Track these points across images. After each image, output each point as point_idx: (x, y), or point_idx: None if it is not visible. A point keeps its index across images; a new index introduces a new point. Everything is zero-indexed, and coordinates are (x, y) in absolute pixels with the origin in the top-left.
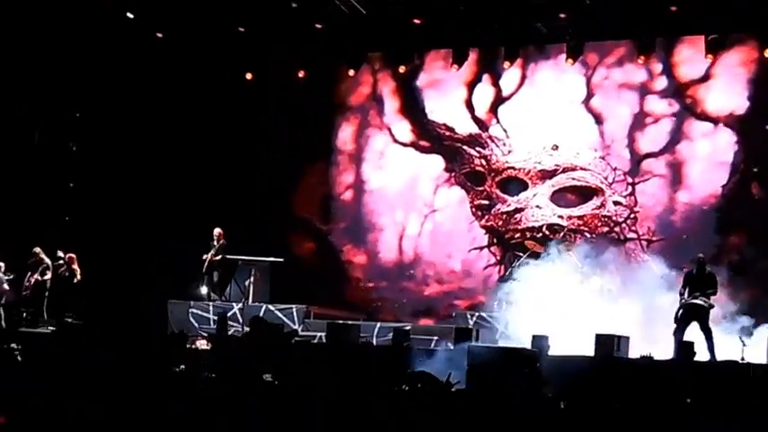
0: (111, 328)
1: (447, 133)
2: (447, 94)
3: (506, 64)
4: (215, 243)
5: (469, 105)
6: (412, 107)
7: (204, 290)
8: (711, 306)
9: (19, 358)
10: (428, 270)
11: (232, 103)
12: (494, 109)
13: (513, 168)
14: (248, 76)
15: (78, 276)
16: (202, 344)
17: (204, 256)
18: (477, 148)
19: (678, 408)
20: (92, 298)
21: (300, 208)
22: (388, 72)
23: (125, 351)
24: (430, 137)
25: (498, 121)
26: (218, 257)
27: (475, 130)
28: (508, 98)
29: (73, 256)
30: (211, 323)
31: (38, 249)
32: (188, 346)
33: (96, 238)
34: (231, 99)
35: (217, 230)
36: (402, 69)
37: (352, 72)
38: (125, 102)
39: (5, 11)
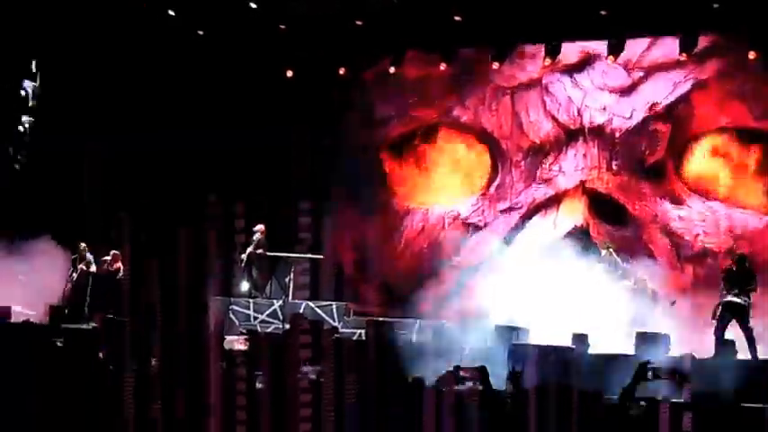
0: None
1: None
2: None
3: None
4: (254, 238)
5: None
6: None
7: (245, 286)
8: (750, 304)
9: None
10: None
11: (274, 100)
12: None
13: None
14: (289, 73)
15: (122, 273)
16: (239, 343)
17: (246, 251)
18: None
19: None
20: (135, 295)
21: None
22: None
23: (167, 348)
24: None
25: None
26: (259, 251)
27: None
28: None
29: (117, 253)
30: (252, 320)
31: (83, 245)
32: (224, 345)
33: (140, 235)
34: (273, 96)
35: (258, 227)
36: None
37: (392, 69)
38: (168, 99)
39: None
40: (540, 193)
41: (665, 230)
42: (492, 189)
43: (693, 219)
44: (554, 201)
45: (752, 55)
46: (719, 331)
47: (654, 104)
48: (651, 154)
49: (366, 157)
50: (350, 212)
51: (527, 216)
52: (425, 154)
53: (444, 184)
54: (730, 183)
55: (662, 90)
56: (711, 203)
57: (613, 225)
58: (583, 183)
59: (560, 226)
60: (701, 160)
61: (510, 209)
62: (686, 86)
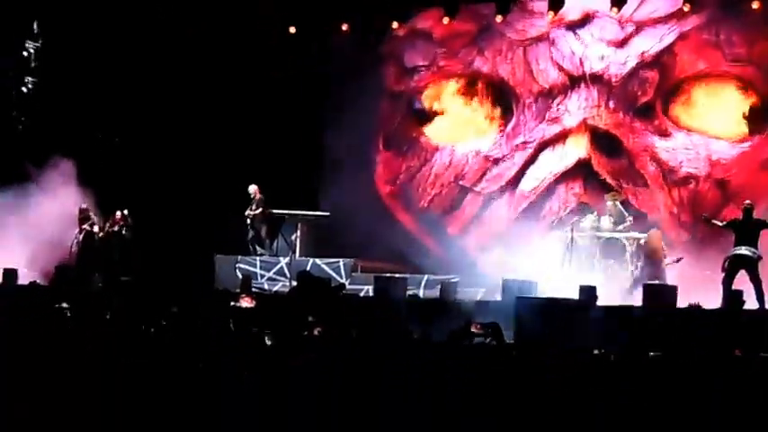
0: (161, 286)
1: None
2: None
3: None
4: (253, 198)
5: None
6: None
7: (252, 244)
8: (760, 257)
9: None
10: None
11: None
12: None
13: None
14: (291, 29)
15: (128, 233)
16: (247, 301)
17: (246, 213)
18: None
19: (727, 357)
20: (142, 255)
21: None
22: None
23: (174, 308)
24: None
25: None
26: (259, 211)
27: None
28: None
29: (125, 213)
30: (259, 278)
31: (86, 206)
32: (232, 303)
33: (145, 196)
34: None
35: (251, 187)
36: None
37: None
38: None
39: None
40: (550, 130)
41: (654, 159)
42: (508, 128)
43: (677, 149)
44: (561, 136)
45: (755, 5)
46: (727, 282)
47: (643, 53)
48: (642, 95)
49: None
50: (386, 152)
51: (539, 150)
52: (453, 99)
53: (468, 125)
54: (709, 118)
55: (650, 41)
56: (692, 136)
57: (610, 156)
58: (585, 121)
59: (567, 157)
60: (683, 100)
61: (524, 143)
62: (671, 38)
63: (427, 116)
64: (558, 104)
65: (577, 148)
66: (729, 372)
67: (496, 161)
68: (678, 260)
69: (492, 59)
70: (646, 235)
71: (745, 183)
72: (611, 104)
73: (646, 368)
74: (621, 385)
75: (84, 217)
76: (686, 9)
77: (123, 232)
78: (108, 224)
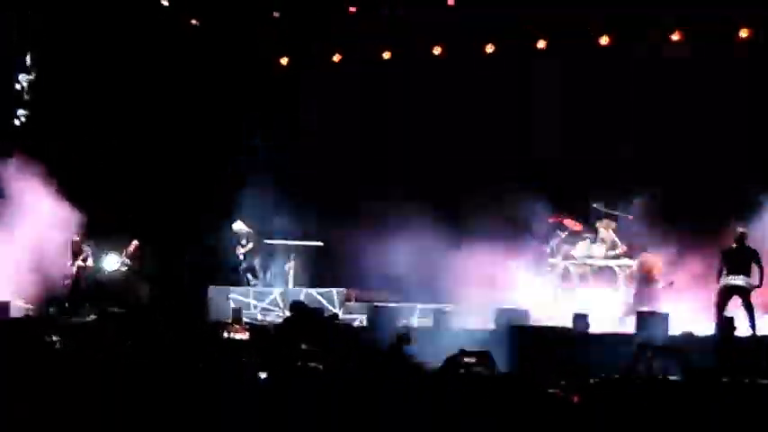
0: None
1: None
2: None
3: None
4: (240, 234)
5: None
6: None
7: (245, 276)
8: (753, 286)
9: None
10: None
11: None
12: None
13: None
14: (283, 61)
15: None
16: (239, 332)
17: (237, 251)
18: None
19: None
20: (134, 287)
21: None
22: None
23: (165, 340)
24: None
25: None
26: (250, 246)
27: None
28: None
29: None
30: (252, 308)
31: (77, 237)
32: (225, 335)
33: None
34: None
35: (236, 225)
36: None
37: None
38: (159, 89)
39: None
40: None
41: None
42: None
43: None
44: None
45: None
46: (719, 310)
47: None
48: None
49: None
50: None
51: None
52: None
53: None
54: None
55: None
56: None
57: None
58: None
59: None
60: None
61: None
62: None
63: None
64: None
65: None
66: (723, 397)
67: None
68: (671, 284)
69: None
70: (637, 261)
71: None
72: None
73: (641, 394)
74: (620, 411)
75: (77, 250)
76: None
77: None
78: (124, 254)
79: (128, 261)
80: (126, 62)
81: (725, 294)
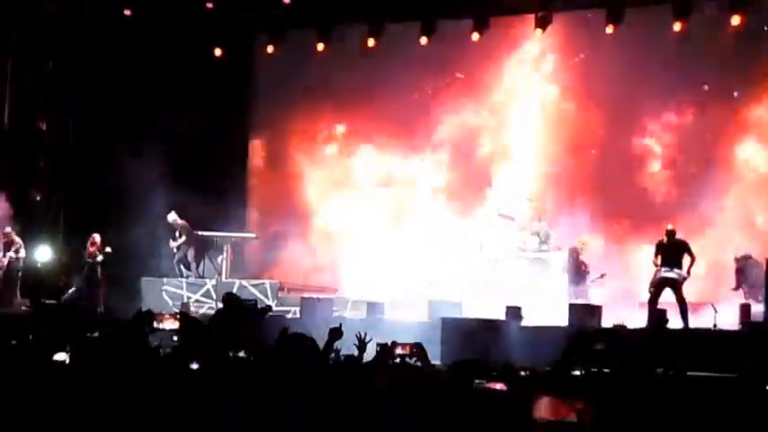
0: (86, 309)
1: None
2: None
3: None
4: (175, 227)
5: None
6: None
7: (177, 267)
8: (684, 278)
9: None
10: None
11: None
12: None
13: None
14: (217, 51)
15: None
16: (170, 322)
17: (171, 244)
18: None
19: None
20: (67, 278)
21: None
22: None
23: (99, 331)
24: None
25: None
26: (183, 240)
27: None
28: None
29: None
30: (185, 299)
31: (9, 229)
32: (155, 325)
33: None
34: (198, 76)
35: (170, 216)
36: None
37: (321, 46)
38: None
39: None
40: None
41: None
42: None
43: None
44: None
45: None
46: (652, 302)
47: None
48: None
49: None
50: None
51: None
52: None
53: None
54: None
55: None
56: None
57: None
58: None
59: None
60: None
61: None
62: None
63: None
64: None
65: None
66: (654, 389)
67: None
68: (602, 276)
69: None
70: (569, 252)
71: None
72: None
73: (572, 386)
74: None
75: (8, 241)
76: None
77: (98, 258)
78: (89, 247)
79: (98, 255)
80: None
81: (658, 287)
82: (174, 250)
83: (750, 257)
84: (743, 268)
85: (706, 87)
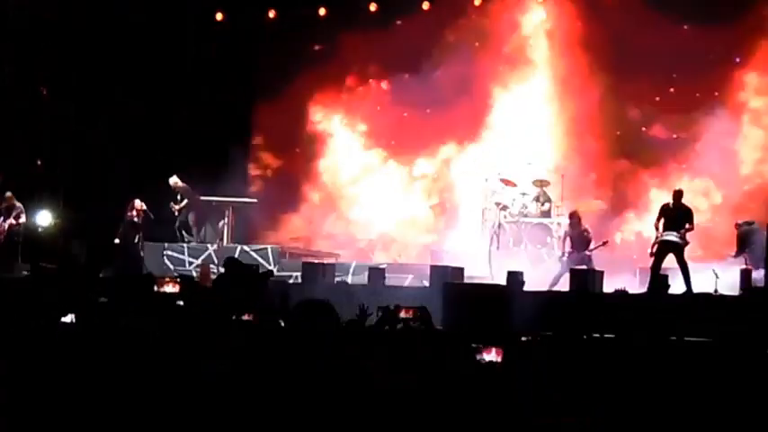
0: (86, 273)
1: None
2: None
3: None
4: (175, 191)
5: None
6: None
7: (180, 231)
8: (686, 242)
9: None
10: None
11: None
12: None
13: None
14: (219, 16)
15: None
16: (170, 286)
17: (171, 206)
18: None
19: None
20: (67, 243)
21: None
22: None
23: (99, 294)
24: None
25: None
26: (185, 203)
27: None
28: None
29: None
30: (187, 264)
31: (9, 194)
32: (156, 288)
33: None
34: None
35: (172, 180)
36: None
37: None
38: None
39: None
40: None
41: None
42: None
43: None
44: None
45: None
46: (655, 267)
47: None
48: None
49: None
50: None
51: None
52: None
53: None
54: None
55: None
56: None
57: None
58: None
59: None
60: None
61: None
62: None
63: None
64: None
65: None
66: (652, 354)
67: None
68: (604, 243)
69: None
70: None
71: None
72: None
73: (575, 351)
74: (552, 369)
75: (8, 206)
76: None
77: (136, 221)
78: (128, 212)
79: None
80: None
81: (660, 251)
82: (176, 214)
83: (752, 223)
84: (744, 234)
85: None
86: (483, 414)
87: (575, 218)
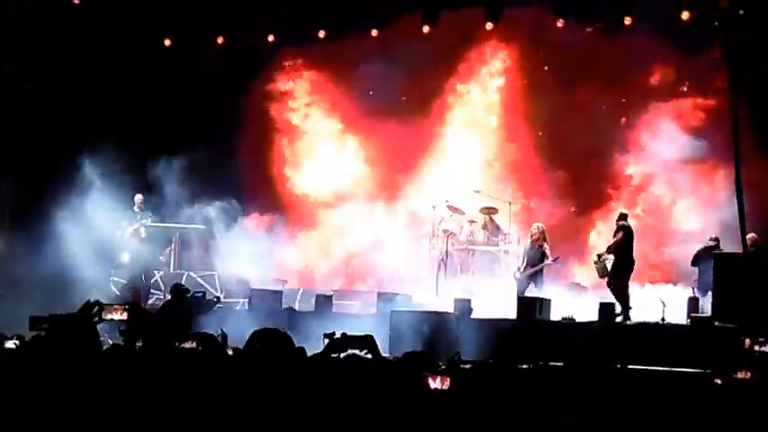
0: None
1: None
2: None
3: None
4: (137, 210)
5: None
6: None
7: (126, 258)
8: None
9: None
10: None
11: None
12: None
13: None
14: (167, 42)
15: None
16: (118, 313)
17: (125, 225)
18: None
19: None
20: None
21: None
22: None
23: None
24: None
25: None
26: (136, 225)
27: None
28: None
29: None
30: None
31: None
32: (104, 315)
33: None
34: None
35: (138, 197)
36: None
37: (271, 37)
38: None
39: None
40: None
41: None
42: None
43: None
44: None
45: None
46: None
47: None
48: None
49: None
50: None
51: None
52: None
53: None
54: None
55: None
56: None
57: None
58: None
59: None
60: None
61: None
62: None
63: None
64: None
65: None
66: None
67: None
68: (555, 260)
69: None
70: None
71: None
72: None
73: (516, 378)
74: (497, 394)
75: None
76: None
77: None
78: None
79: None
80: None
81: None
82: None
83: (717, 242)
84: (705, 252)
85: None
86: None
87: (535, 235)
